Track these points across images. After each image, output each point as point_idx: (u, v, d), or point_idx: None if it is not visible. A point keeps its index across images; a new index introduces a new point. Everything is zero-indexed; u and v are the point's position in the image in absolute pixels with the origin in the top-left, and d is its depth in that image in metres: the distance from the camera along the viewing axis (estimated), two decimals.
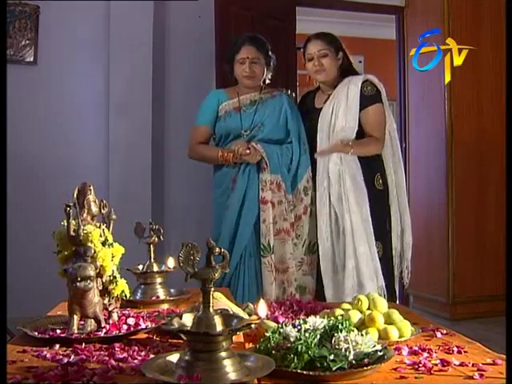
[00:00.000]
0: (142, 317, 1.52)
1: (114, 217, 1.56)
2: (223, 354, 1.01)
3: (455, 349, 1.29)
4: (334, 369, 1.07)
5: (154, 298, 1.82)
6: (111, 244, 1.47)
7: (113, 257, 1.45)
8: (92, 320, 1.39)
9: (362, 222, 2.52)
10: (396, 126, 2.86)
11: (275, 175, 2.62)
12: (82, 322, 1.38)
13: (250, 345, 1.31)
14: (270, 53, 2.77)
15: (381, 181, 2.65)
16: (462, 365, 1.17)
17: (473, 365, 1.17)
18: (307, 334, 1.14)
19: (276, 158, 2.63)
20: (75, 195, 1.51)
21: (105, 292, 1.45)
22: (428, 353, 1.25)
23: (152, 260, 1.86)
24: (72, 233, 1.41)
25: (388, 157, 2.71)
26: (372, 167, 2.64)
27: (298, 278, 2.60)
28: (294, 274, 2.59)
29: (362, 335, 1.17)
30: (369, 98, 2.61)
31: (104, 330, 1.38)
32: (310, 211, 2.67)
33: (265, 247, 2.58)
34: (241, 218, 2.60)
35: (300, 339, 1.12)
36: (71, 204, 1.43)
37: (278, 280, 2.57)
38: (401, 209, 2.72)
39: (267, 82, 2.82)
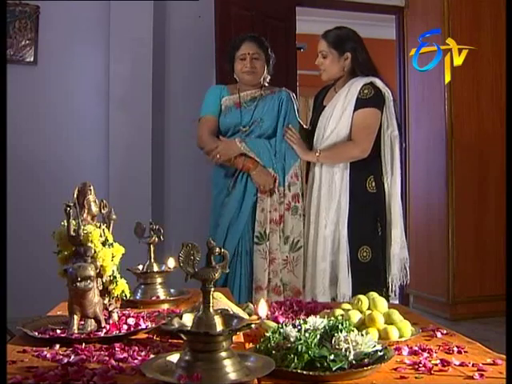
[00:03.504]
0: (142, 317, 1.52)
1: (114, 217, 1.56)
2: (223, 354, 1.01)
3: (455, 349, 1.29)
4: (334, 369, 1.07)
5: (154, 298, 1.82)
6: (111, 244, 1.47)
7: (113, 257, 1.45)
8: (92, 320, 1.39)
9: (339, 220, 2.54)
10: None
11: (269, 168, 2.63)
12: (82, 322, 1.38)
13: (250, 345, 1.31)
14: (269, 51, 2.78)
15: (374, 183, 2.56)
16: (462, 365, 1.17)
17: (473, 365, 1.17)
18: (307, 334, 1.14)
19: (267, 152, 2.64)
20: (75, 195, 1.51)
21: (105, 292, 1.45)
22: (428, 353, 1.25)
23: (152, 260, 1.86)
24: (72, 233, 1.41)
25: (387, 162, 2.60)
26: (365, 169, 2.57)
27: (282, 276, 2.61)
28: (280, 266, 2.60)
29: (362, 335, 1.17)
30: (363, 101, 2.53)
31: (104, 330, 1.38)
32: (295, 207, 2.66)
33: (261, 235, 2.60)
34: (238, 215, 2.62)
35: (300, 339, 1.12)
36: (71, 204, 1.43)
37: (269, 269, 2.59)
38: (392, 220, 2.59)
39: (267, 81, 2.80)
